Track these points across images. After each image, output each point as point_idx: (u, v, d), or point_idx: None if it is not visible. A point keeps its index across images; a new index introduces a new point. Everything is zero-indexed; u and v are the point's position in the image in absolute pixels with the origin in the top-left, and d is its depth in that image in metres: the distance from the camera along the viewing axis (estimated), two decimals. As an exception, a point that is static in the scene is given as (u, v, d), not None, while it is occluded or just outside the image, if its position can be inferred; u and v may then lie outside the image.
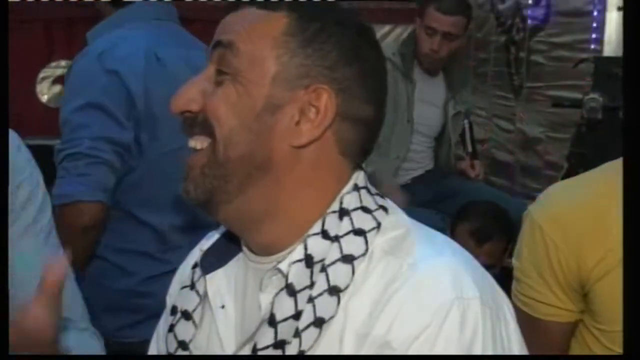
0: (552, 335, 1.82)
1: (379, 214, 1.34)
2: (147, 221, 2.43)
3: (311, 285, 1.29)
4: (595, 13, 5.04)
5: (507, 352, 1.28)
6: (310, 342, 1.27)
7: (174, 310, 1.45)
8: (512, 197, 4.58)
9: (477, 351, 1.22)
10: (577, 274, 1.78)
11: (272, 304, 1.30)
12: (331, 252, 1.30)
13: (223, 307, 1.40)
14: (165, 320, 1.55)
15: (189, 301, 1.43)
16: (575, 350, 1.88)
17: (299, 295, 1.29)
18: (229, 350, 1.38)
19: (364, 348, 1.26)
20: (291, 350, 1.28)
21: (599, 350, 1.78)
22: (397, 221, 1.36)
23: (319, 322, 1.27)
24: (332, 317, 1.28)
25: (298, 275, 1.30)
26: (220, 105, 1.33)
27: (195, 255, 1.51)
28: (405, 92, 4.16)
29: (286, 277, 1.30)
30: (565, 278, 1.79)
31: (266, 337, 1.29)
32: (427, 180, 4.49)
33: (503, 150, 6.00)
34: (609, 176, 1.80)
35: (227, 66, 1.33)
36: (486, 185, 5.13)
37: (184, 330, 1.42)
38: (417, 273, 1.28)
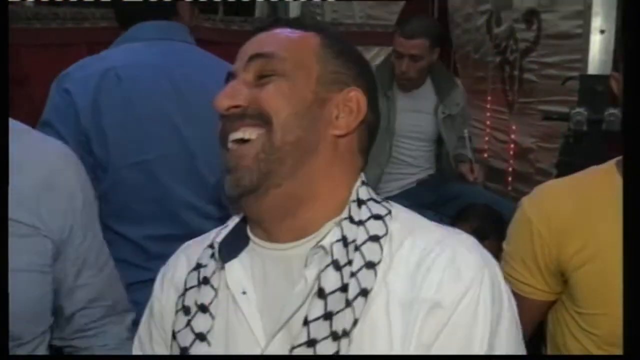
0: (528, 308, 1.82)
1: (386, 204, 1.41)
2: (122, 233, 2.31)
3: (350, 262, 1.31)
4: (583, 35, 4.94)
5: (508, 298, 1.36)
6: (360, 310, 1.28)
7: (187, 311, 1.41)
8: (507, 201, 4.63)
9: (506, 302, 1.33)
10: (557, 261, 1.82)
11: (319, 279, 1.30)
12: (359, 234, 1.33)
13: (244, 293, 1.38)
14: (148, 326, 1.53)
15: (203, 295, 1.40)
16: (555, 328, 1.92)
17: (343, 270, 1.30)
18: (259, 331, 1.35)
19: (412, 312, 1.29)
20: (340, 320, 1.28)
21: (574, 329, 1.81)
22: (399, 210, 1.43)
23: (364, 293, 1.29)
24: (372, 289, 1.30)
25: (340, 253, 1.32)
26: (275, 96, 1.36)
27: (179, 260, 1.52)
28: (385, 108, 4.21)
29: (331, 254, 1.31)
30: (545, 264, 1.83)
31: (317, 309, 1.29)
32: (431, 184, 4.56)
33: (499, 158, 5.98)
34: (592, 180, 1.84)
35: (273, 70, 1.38)
36: (484, 190, 5.15)
37: (202, 322, 1.38)
38: (448, 247, 1.34)
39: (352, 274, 1.29)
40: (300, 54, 1.41)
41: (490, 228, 3.79)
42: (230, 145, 1.36)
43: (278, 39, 1.42)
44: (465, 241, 1.36)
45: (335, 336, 1.26)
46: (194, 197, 2.37)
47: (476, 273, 1.31)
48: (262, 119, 1.34)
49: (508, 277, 1.87)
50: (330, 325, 1.26)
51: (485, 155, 6.02)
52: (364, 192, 1.40)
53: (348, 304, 1.27)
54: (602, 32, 4.37)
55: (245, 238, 1.43)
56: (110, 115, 2.30)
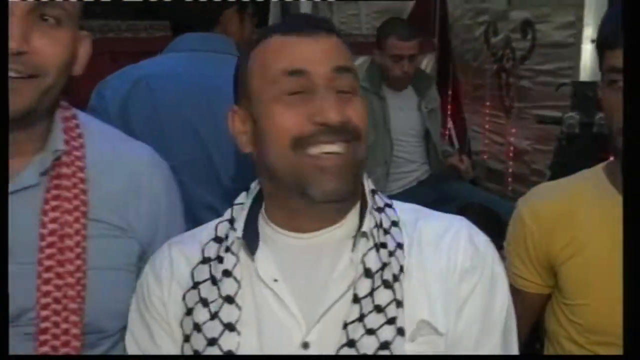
0: (525, 301, 1.88)
1: (383, 195, 1.48)
2: None
3: (384, 244, 1.36)
4: (575, 44, 4.99)
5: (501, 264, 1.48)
6: (399, 285, 1.34)
7: (206, 303, 1.37)
8: (505, 201, 4.68)
9: (503, 269, 1.45)
10: (546, 255, 1.84)
11: (367, 261, 1.34)
12: (384, 219, 1.39)
13: (276, 281, 1.37)
14: (143, 321, 1.46)
15: (227, 287, 1.37)
16: (548, 318, 1.95)
17: (381, 252, 1.35)
18: (298, 316, 1.35)
19: (448, 281, 1.37)
20: (382, 295, 1.32)
21: (562, 318, 1.84)
22: (396, 202, 1.49)
23: (402, 269, 1.35)
24: (405, 266, 1.36)
25: (378, 238, 1.37)
26: (363, 114, 1.38)
27: (174, 257, 1.46)
28: (379, 108, 4.31)
29: (372, 238, 1.36)
30: (537, 258, 1.87)
31: (364, 288, 1.32)
32: (431, 183, 4.62)
33: (496, 160, 6.00)
34: (580, 183, 1.85)
35: (353, 87, 1.38)
36: (482, 191, 5.26)
37: (229, 313, 1.36)
38: (462, 227, 1.43)
39: (390, 254, 1.35)
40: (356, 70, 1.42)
41: (484, 227, 3.82)
42: (319, 155, 1.34)
43: (346, 52, 1.42)
44: (469, 223, 1.46)
45: (379, 309, 1.31)
46: (212, 199, 2.35)
47: (487, 248, 1.43)
48: (354, 135, 1.35)
49: (507, 272, 1.90)
50: (372, 301, 1.31)
51: (485, 156, 6.08)
52: (370, 184, 1.45)
53: (388, 282, 1.32)
54: (592, 41, 4.35)
55: (256, 231, 1.43)
56: (137, 122, 2.33)
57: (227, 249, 1.39)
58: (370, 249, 1.35)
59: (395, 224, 1.40)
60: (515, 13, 5.64)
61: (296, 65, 1.33)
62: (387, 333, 1.29)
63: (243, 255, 1.39)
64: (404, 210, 1.46)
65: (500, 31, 5.84)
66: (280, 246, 1.41)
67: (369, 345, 1.28)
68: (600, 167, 1.77)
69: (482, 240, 1.44)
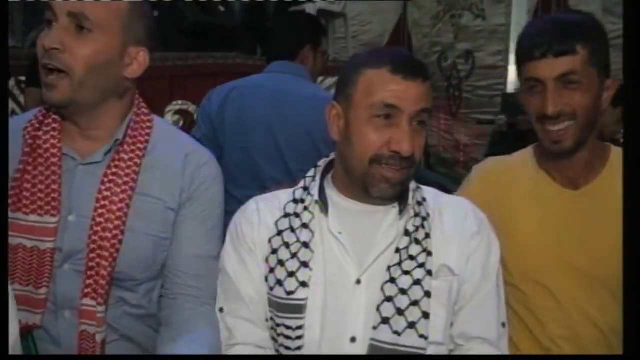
0: None
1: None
2: (231, 192, 2.06)
3: (418, 214, 1.36)
4: (503, 66, 5.28)
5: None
6: (430, 241, 1.35)
7: (288, 246, 1.35)
8: (453, 181, 4.50)
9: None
10: (481, 204, 1.63)
11: (406, 225, 1.35)
12: (417, 197, 1.39)
13: (340, 233, 1.36)
14: (236, 250, 1.41)
15: (304, 236, 1.35)
16: None
17: (417, 219, 1.35)
18: (353, 256, 1.34)
19: (462, 241, 1.37)
20: (416, 247, 1.33)
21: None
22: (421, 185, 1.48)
23: (430, 231, 1.36)
24: (432, 229, 1.37)
25: (416, 209, 1.37)
26: (423, 146, 1.34)
27: (261, 209, 1.42)
28: None
29: (414, 209, 1.37)
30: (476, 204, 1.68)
31: (404, 242, 1.33)
32: None
33: (446, 151, 6.03)
34: (514, 158, 1.68)
35: (426, 121, 1.33)
36: (435, 174, 5.30)
37: (304, 254, 1.34)
38: (469, 204, 1.44)
39: (423, 220, 1.36)
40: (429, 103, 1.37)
41: None
42: (386, 170, 1.31)
43: (430, 95, 1.34)
44: (467, 201, 1.47)
45: (412, 258, 1.32)
46: (277, 174, 2.35)
47: (486, 221, 1.43)
48: (412, 164, 1.32)
49: None
50: (408, 251, 1.33)
51: (439, 149, 6.07)
52: None
53: (419, 239, 1.34)
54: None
55: (325, 197, 1.40)
56: (229, 116, 2.41)
57: (305, 208, 1.38)
58: (410, 217, 1.36)
59: (424, 200, 1.40)
60: (460, 44, 5.80)
61: (393, 101, 1.29)
62: (418, 273, 1.31)
63: (317, 212, 1.38)
64: (428, 192, 1.44)
65: (449, 58, 5.95)
66: (343, 208, 1.39)
67: (405, 282, 1.30)
68: (530, 147, 1.66)
69: (483, 215, 1.43)
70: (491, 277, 1.38)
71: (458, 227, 1.38)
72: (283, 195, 1.43)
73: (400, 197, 1.36)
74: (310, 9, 6.06)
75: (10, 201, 1.32)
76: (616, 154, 1.53)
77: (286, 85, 2.43)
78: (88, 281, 1.32)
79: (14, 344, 1.07)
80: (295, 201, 1.40)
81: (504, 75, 4.89)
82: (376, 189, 1.32)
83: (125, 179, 1.36)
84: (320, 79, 5.22)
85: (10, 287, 1.10)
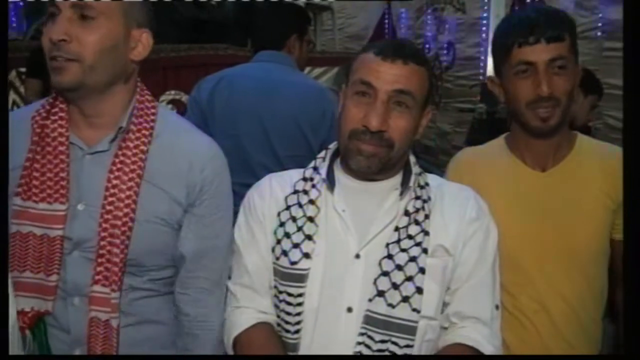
0: None
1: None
2: None
3: (419, 196, 1.38)
4: (482, 58, 5.36)
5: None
6: (427, 223, 1.36)
7: (294, 220, 1.39)
8: (434, 168, 4.36)
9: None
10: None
11: (407, 205, 1.37)
12: (420, 180, 1.41)
13: (344, 211, 1.38)
14: (248, 222, 1.45)
15: (310, 211, 1.38)
16: None
17: (417, 201, 1.37)
18: (355, 235, 1.36)
19: (460, 225, 1.38)
20: (414, 228, 1.34)
21: None
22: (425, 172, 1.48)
23: (430, 212, 1.37)
24: (431, 212, 1.38)
25: (417, 191, 1.39)
26: (405, 128, 1.33)
27: (273, 185, 1.45)
28: None
29: (414, 191, 1.39)
30: None
31: (403, 221, 1.36)
32: None
33: (428, 139, 6.10)
34: (488, 147, 1.71)
35: (406, 103, 1.32)
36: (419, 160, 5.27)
37: (309, 228, 1.37)
38: (471, 192, 1.45)
39: (424, 202, 1.38)
40: (421, 92, 1.36)
41: None
42: (360, 144, 1.34)
43: (410, 78, 1.33)
44: (474, 191, 1.47)
45: (410, 237, 1.35)
46: (266, 160, 2.35)
47: (486, 209, 1.44)
48: (387, 144, 1.34)
49: None
50: (407, 230, 1.35)
51: (424, 136, 5.81)
52: (413, 157, 1.45)
53: (418, 220, 1.36)
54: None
55: (332, 177, 1.42)
56: (218, 105, 2.40)
57: (313, 186, 1.41)
58: (411, 198, 1.38)
59: (427, 184, 1.42)
60: (442, 37, 5.89)
61: (369, 78, 1.32)
62: (414, 251, 1.33)
63: (324, 190, 1.41)
64: (431, 177, 1.46)
65: (432, 49, 6.04)
66: (349, 187, 1.41)
67: (401, 259, 1.32)
68: (502, 136, 1.67)
69: (484, 203, 1.45)
70: (487, 261, 1.39)
71: (458, 212, 1.40)
72: (295, 174, 1.46)
73: (403, 181, 1.39)
74: (298, 2, 6.09)
75: (20, 190, 1.32)
76: (581, 140, 1.59)
77: (274, 73, 2.44)
78: (99, 268, 1.32)
79: (12, 327, 1.08)
80: (304, 179, 1.43)
81: (484, 67, 4.92)
82: (353, 161, 1.36)
83: (133, 166, 1.35)
84: (307, 69, 5.21)
85: (10, 275, 1.10)
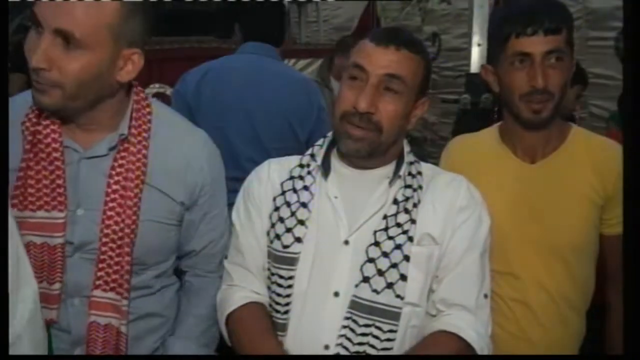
0: None
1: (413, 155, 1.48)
2: None
3: (410, 185, 1.40)
4: (466, 49, 5.19)
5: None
6: (416, 211, 1.38)
7: (289, 205, 1.41)
8: (421, 158, 4.58)
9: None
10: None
11: (396, 194, 1.39)
12: (412, 169, 1.43)
13: (336, 197, 1.41)
14: (245, 206, 1.48)
15: (304, 197, 1.41)
16: None
17: (407, 189, 1.39)
18: (344, 219, 1.39)
19: (450, 212, 1.40)
20: (403, 216, 1.36)
21: None
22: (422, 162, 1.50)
23: (419, 201, 1.39)
24: (421, 200, 1.39)
25: (407, 180, 1.40)
26: (394, 112, 1.34)
27: (271, 170, 1.48)
28: (329, 96, 3.84)
29: (404, 180, 1.40)
30: None
31: (392, 209, 1.38)
32: None
33: (414, 129, 5.45)
34: (480, 135, 1.71)
35: (396, 88, 1.34)
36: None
37: (302, 213, 1.40)
38: (462, 181, 1.45)
39: (413, 191, 1.39)
40: (414, 78, 1.37)
41: None
42: (349, 131, 1.35)
43: (406, 64, 1.35)
44: (468, 181, 1.47)
45: (399, 225, 1.37)
46: (253, 153, 2.32)
47: (479, 198, 1.46)
48: (376, 127, 1.35)
49: None
50: (396, 218, 1.37)
51: None
52: (407, 145, 1.47)
53: (414, 205, 1.38)
54: (479, 45, 4.65)
55: (328, 164, 1.44)
56: (205, 97, 2.39)
57: (309, 172, 1.44)
58: (401, 187, 1.39)
59: (419, 173, 1.43)
60: (427, 27, 5.90)
61: (360, 62, 1.35)
62: (400, 239, 1.36)
63: (318, 177, 1.44)
64: (426, 167, 1.49)
65: None
66: (342, 175, 1.44)
67: (388, 246, 1.35)
68: (495, 125, 1.68)
69: (476, 192, 1.45)
70: (476, 250, 1.41)
71: (449, 201, 1.41)
72: (294, 160, 1.49)
73: (395, 169, 1.41)
74: (283, -6, 6.12)
75: (16, 201, 1.29)
76: (575, 132, 1.59)
77: (260, 65, 2.46)
78: (100, 273, 1.33)
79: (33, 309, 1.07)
80: (301, 166, 1.46)
81: (469, 57, 4.85)
82: (342, 144, 1.39)
83: (137, 172, 1.35)
84: (292, 61, 5.29)
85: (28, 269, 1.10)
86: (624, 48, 1.30)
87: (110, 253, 1.33)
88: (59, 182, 1.31)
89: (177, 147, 1.43)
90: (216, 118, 2.37)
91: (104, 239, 1.33)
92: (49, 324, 1.32)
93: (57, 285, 1.32)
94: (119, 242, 1.33)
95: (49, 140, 1.32)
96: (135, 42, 1.30)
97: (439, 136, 5.58)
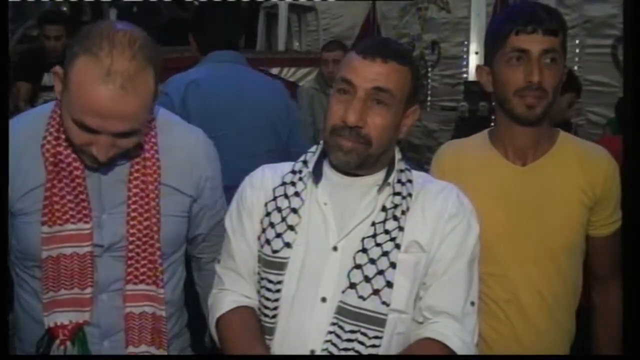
0: None
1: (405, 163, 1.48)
2: None
3: (399, 193, 1.41)
4: (464, 57, 5.32)
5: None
6: (404, 219, 1.39)
7: (280, 210, 1.43)
8: (419, 166, 4.45)
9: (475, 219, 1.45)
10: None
11: (385, 201, 1.40)
12: (402, 177, 1.43)
13: (326, 204, 1.42)
14: (238, 211, 1.50)
15: (295, 203, 1.43)
16: None
17: (396, 197, 1.40)
18: (334, 227, 1.40)
19: (439, 220, 1.40)
20: (391, 223, 1.37)
21: None
22: (413, 170, 1.49)
23: (407, 209, 1.40)
24: (410, 208, 1.40)
25: (396, 187, 1.41)
26: (382, 124, 1.36)
27: (264, 176, 1.50)
28: (327, 102, 3.99)
29: (393, 187, 1.41)
30: None
31: (380, 216, 1.39)
32: None
33: (415, 137, 6.05)
34: (471, 139, 1.74)
35: (384, 101, 1.35)
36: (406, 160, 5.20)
37: (292, 219, 1.41)
38: (453, 189, 1.46)
39: (402, 198, 1.40)
40: (402, 90, 1.38)
41: None
42: (339, 143, 1.37)
43: (392, 76, 1.36)
44: (459, 190, 1.48)
45: (387, 232, 1.38)
46: (243, 161, 2.16)
47: (469, 206, 1.45)
48: (365, 140, 1.36)
49: None
50: (384, 225, 1.38)
51: (410, 135, 5.75)
52: (399, 153, 1.47)
53: (396, 216, 1.39)
54: (476, 53, 4.69)
55: (320, 171, 1.46)
56: (193, 110, 2.37)
57: (300, 179, 1.45)
58: (389, 194, 1.40)
59: (410, 181, 1.44)
60: (427, 36, 5.92)
61: (348, 76, 1.36)
62: (387, 246, 1.36)
63: (310, 184, 1.44)
64: (418, 175, 1.49)
65: (417, 48, 6.00)
66: (333, 181, 1.44)
67: (375, 253, 1.36)
68: (485, 130, 1.71)
69: (466, 201, 1.46)
70: (464, 258, 1.41)
71: (438, 209, 1.42)
72: (287, 167, 1.50)
73: (385, 177, 1.42)
74: (282, 3, 6.15)
75: (45, 218, 1.38)
76: (563, 138, 1.63)
77: (239, 73, 2.52)
78: (129, 269, 1.43)
79: None
80: (293, 172, 1.47)
81: (467, 65, 4.92)
82: (333, 157, 1.40)
83: (154, 175, 1.44)
84: (292, 70, 5.42)
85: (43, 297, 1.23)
86: (623, 48, 1.34)
87: (137, 250, 1.43)
88: (82, 197, 1.40)
89: (181, 145, 1.52)
90: (205, 129, 2.38)
91: (131, 238, 1.42)
92: (82, 326, 1.42)
93: (88, 290, 1.41)
94: (144, 239, 1.43)
95: (70, 160, 1.40)
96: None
97: (440, 144, 5.36)
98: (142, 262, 1.44)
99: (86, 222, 1.40)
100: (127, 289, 1.43)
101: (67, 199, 1.39)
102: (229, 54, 2.54)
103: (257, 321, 1.43)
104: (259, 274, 1.44)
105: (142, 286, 1.44)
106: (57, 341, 1.40)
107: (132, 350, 1.44)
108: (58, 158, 1.40)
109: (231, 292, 1.48)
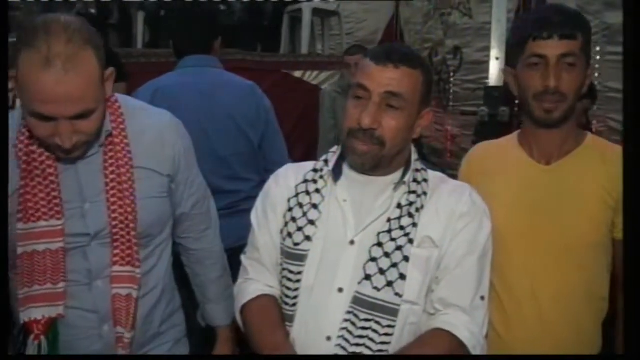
0: None
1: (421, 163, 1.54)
2: None
3: (415, 191, 1.46)
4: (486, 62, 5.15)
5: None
6: (420, 215, 1.44)
7: (301, 206, 1.50)
8: (443, 168, 4.24)
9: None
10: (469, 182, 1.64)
11: (400, 199, 1.46)
12: (418, 177, 1.49)
13: (345, 201, 1.49)
14: (263, 205, 1.58)
15: (315, 199, 1.50)
16: None
17: (411, 195, 1.46)
18: (352, 224, 1.47)
19: (451, 218, 1.45)
20: (407, 219, 1.43)
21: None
22: (429, 170, 1.55)
23: (422, 207, 1.45)
24: (425, 206, 1.46)
25: (412, 186, 1.47)
26: (396, 127, 1.42)
27: (288, 174, 1.58)
28: None
29: (408, 186, 1.47)
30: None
31: (395, 213, 1.45)
32: None
33: (438, 142, 6.08)
34: (502, 141, 1.76)
35: (397, 105, 1.41)
36: (427, 163, 4.93)
37: (313, 214, 1.49)
38: (466, 188, 1.52)
39: (417, 197, 1.46)
40: (414, 93, 1.43)
41: None
42: (354, 146, 1.43)
43: (402, 80, 1.41)
44: (472, 189, 1.53)
45: (401, 228, 1.44)
46: (211, 165, 2.32)
47: (481, 205, 1.51)
48: (379, 142, 1.43)
49: None
50: (399, 221, 1.44)
51: (430, 140, 6.07)
52: (415, 154, 1.53)
53: (417, 210, 1.45)
54: (497, 59, 4.71)
55: (340, 170, 1.52)
56: None
57: (321, 177, 1.53)
58: (405, 192, 1.47)
59: (425, 180, 1.50)
60: (449, 41, 5.92)
61: (363, 82, 1.42)
62: (402, 241, 1.43)
63: (330, 181, 1.52)
64: (434, 175, 1.54)
65: (439, 53, 6.06)
66: (352, 179, 1.51)
67: (390, 247, 1.43)
68: (515, 132, 1.73)
69: (479, 199, 1.51)
70: (475, 254, 1.45)
71: (451, 207, 1.47)
72: (310, 165, 1.58)
73: (402, 176, 1.48)
74: (306, 7, 6.20)
75: (20, 215, 1.42)
76: (591, 138, 1.66)
77: (208, 78, 2.51)
78: (115, 251, 1.48)
79: None
80: (315, 170, 1.55)
81: (487, 70, 4.87)
82: (349, 159, 1.48)
83: (125, 159, 1.49)
84: (315, 73, 5.48)
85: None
86: (623, 47, 1.35)
87: (121, 233, 1.48)
88: (55, 194, 1.44)
89: (150, 128, 1.57)
90: None
91: (114, 223, 1.47)
92: (55, 320, 1.45)
93: (61, 284, 1.45)
94: (126, 222, 1.48)
95: (43, 158, 1.44)
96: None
97: (461, 148, 5.55)
98: (127, 245, 1.49)
99: (58, 219, 1.43)
100: (114, 270, 1.48)
101: (40, 197, 1.43)
102: (198, 58, 2.54)
103: (278, 309, 1.51)
104: (281, 265, 1.52)
105: (128, 267, 1.49)
106: (32, 336, 1.44)
107: (120, 330, 1.49)
108: (31, 157, 1.44)
109: (255, 281, 1.57)
